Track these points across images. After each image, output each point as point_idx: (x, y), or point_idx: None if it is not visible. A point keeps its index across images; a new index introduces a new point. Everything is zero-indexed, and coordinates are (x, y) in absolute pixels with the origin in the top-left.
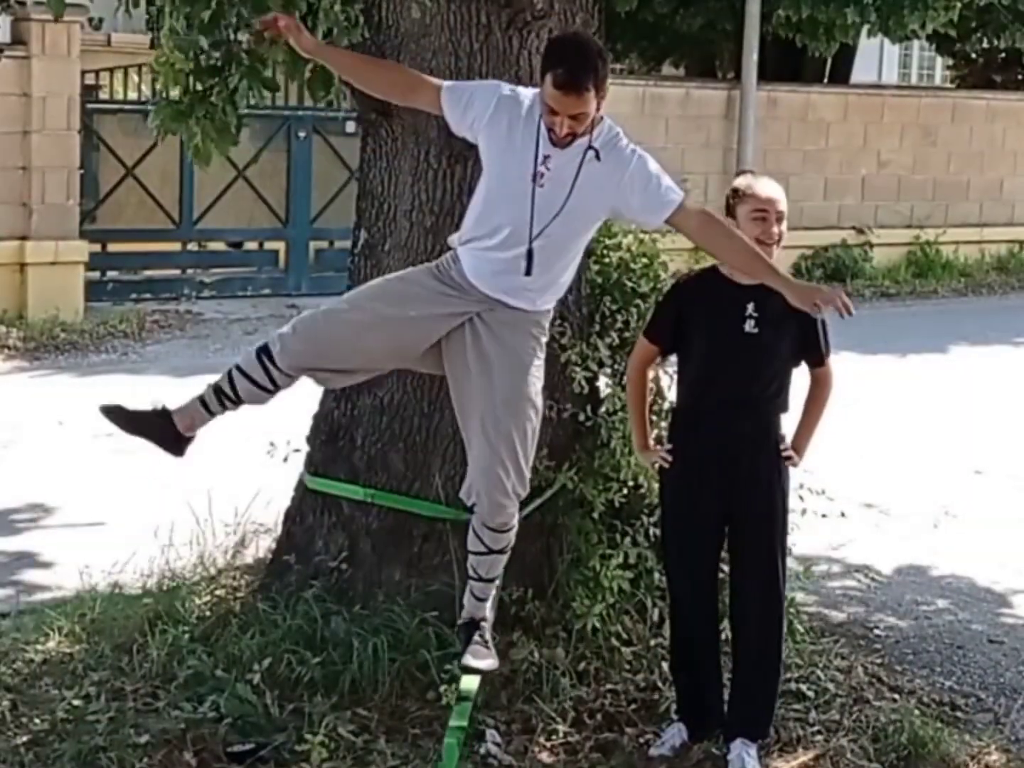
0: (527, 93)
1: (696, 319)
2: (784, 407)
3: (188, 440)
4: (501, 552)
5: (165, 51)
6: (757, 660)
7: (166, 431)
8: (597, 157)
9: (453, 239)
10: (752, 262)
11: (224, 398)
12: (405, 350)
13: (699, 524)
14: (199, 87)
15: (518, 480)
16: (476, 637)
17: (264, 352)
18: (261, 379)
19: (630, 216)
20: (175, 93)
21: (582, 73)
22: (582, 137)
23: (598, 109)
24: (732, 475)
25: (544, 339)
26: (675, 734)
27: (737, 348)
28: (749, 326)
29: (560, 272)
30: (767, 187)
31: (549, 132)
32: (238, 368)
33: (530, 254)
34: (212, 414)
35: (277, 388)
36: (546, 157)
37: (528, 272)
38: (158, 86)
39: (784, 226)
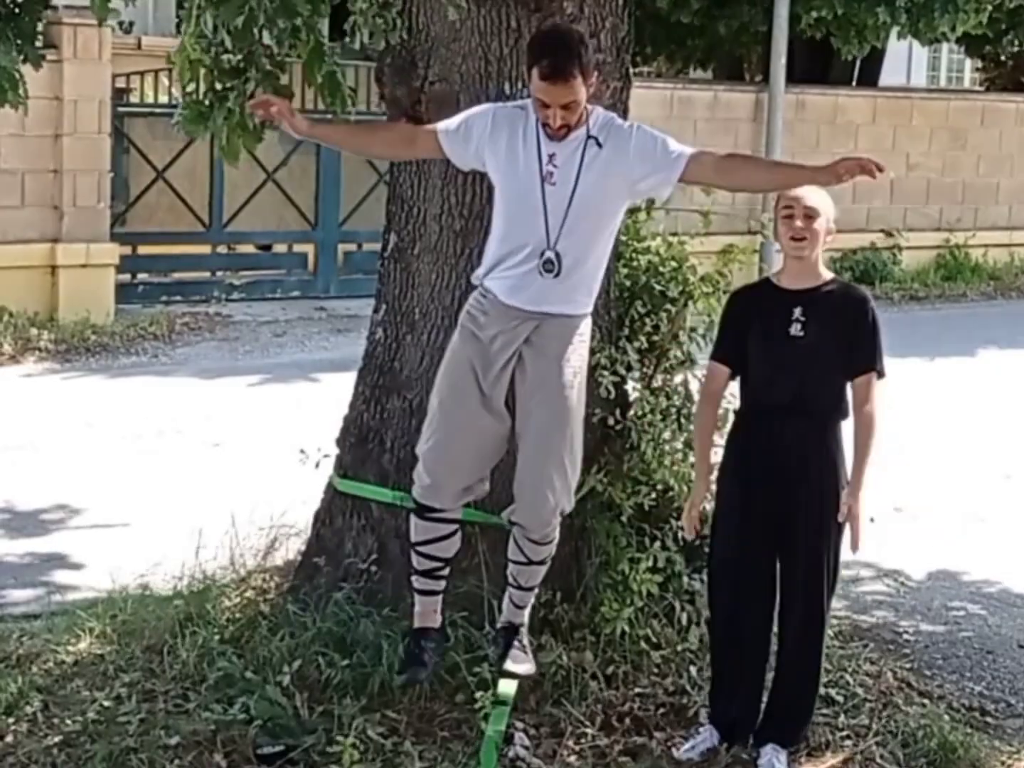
0: (519, 103)
1: (750, 327)
2: (842, 416)
3: (443, 624)
4: (541, 563)
5: (187, 47)
6: (796, 671)
7: (434, 638)
8: (598, 144)
9: (477, 275)
10: (777, 172)
11: (433, 573)
12: (501, 412)
13: (746, 529)
14: (219, 87)
15: (564, 496)
16: (515, 643)
17: (425, 511)
18: (443, 530)
19: (647, 187)
20: (195, 90)
21: (566, 61)
22: (578, 129)
23: (588, 97)
24: (782, 481)
25: (587, 349)
26: (706, 738)
27: (783, 351)
28: (795, 329)
29: (593, 268)
30: (799, 189)
31: (545, 128)
32: (419, 543)
33: (557, 256)
34: (437, 592)
35: (456, 523)
36: (551, 155)
37: (557, 274)
38: (176, 87)
39: (818, 224)
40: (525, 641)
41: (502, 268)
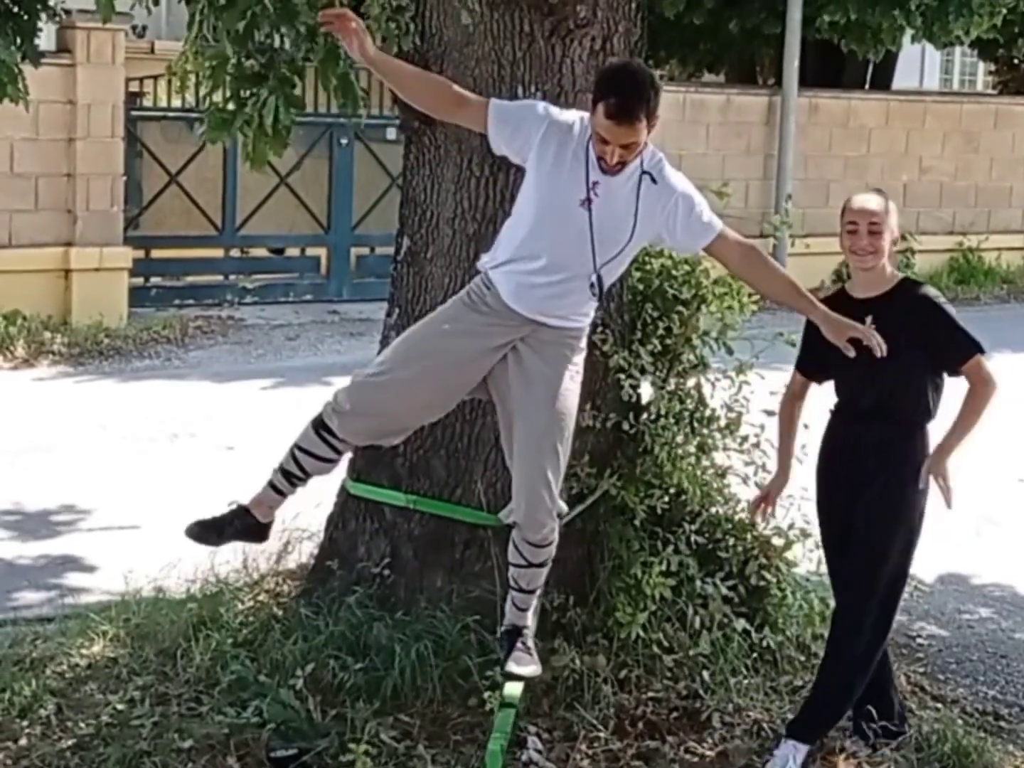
0: (572, 116)
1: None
2: (929, 417)
3: (269, 524)
4: (541, 566)
5: (188, 56)
6: (830, 670)
7: (249, 527)
8: (652, 180)
9: (483, 262)
10: (789, 294)
11: (293, 478)
12: (458, 391)
13: (828, 531)
14: (241, 94)
15: (557, 495)
16: (519, 644)
17: (322, 427)
18: (325, 453)
19: (671, 242)
20: (217, 98)
21: (634, 103)
22: (632, 162)
23: (647, 138)
24: (856, 484)
25: (583, 351)
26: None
27: (859, 359)
28: None
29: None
30: (862, 200)
31: (599, 160)
32: (299, 448)
33: (599, 280)
34: (284, 495)
35: (340, 455)
36: (595, 183)
37: (599, 298)
38: (189, 91)
39: (884, 241)
40: (530, 643)
41: (516, 270)
